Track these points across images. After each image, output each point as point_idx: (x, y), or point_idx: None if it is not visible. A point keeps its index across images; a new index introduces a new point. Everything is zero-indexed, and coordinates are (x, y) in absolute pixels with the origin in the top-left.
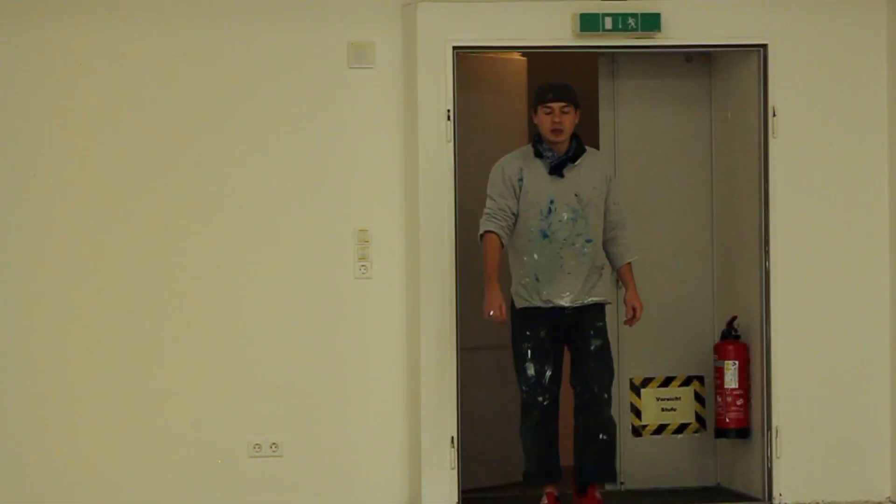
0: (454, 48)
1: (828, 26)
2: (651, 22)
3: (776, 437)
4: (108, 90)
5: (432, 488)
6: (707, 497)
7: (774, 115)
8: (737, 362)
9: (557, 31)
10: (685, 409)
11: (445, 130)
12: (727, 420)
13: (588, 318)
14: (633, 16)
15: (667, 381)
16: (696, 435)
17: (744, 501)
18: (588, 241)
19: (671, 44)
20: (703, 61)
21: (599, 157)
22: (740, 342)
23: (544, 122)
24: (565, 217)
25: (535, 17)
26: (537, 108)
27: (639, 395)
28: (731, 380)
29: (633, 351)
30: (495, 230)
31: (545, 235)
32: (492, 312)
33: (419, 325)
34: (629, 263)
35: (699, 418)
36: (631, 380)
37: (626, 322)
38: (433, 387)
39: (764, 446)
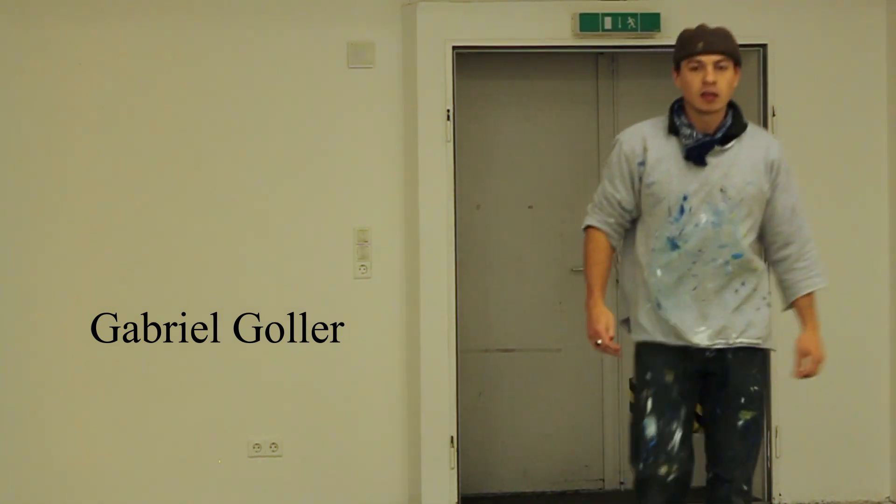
0: (454, 48)
1: (828, 26)
2: (651, 22)
3: (776, 437)
4: (108, 90)
5: (432, 488)
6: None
7: (774, 114)
8: None
9: (557, 31)
10: None
11: (445, 130)
12: None
13: (737, 375)
14: (633, 16)
15: None
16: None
17: None
18: (736, 256)
19: (671, 44)
20: None
21: (762, 138)
22: None
23: (691, 82)
24: (704, 220)
25: (535, 17)
26: (680, 63)
27: None
28: None
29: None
30: (597, 225)
31: (674, 245)
32: (599, 342)
33: (419, 325)
34: (810, 294)
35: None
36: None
37: (795, 373)
38: (433, 387)
39: (764, 446)
